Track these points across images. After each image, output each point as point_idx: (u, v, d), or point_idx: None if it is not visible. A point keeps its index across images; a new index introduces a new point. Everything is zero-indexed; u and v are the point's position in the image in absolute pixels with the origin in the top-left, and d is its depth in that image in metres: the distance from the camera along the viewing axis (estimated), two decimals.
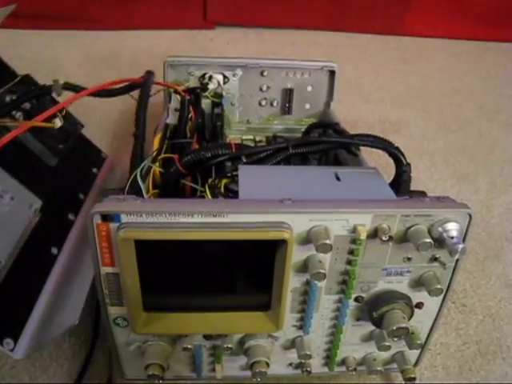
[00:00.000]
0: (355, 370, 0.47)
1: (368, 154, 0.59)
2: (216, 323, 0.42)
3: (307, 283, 0.41)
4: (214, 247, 0.39)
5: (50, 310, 0.48)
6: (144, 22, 1.44)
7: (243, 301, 0.42)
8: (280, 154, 0.52)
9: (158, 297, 0.41)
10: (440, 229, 0.38)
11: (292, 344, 0.45)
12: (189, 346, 0.43)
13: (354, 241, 0.38)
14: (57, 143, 0.59)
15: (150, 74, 0.57)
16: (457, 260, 0.41)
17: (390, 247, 0.40)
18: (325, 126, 0.67)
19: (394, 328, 0.40)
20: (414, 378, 0.45)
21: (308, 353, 0.43)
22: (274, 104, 0.77)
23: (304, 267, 0.39)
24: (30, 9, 1.33)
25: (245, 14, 1.49)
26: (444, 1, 1.54)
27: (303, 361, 0.45)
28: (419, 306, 0.43)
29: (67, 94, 0.55)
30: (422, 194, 0.51)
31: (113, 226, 0.36)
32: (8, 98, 0.55)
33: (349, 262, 0.40)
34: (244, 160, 0.51)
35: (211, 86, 0.72)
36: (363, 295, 0.42)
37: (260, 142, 0.76)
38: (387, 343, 0.43)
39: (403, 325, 0.40)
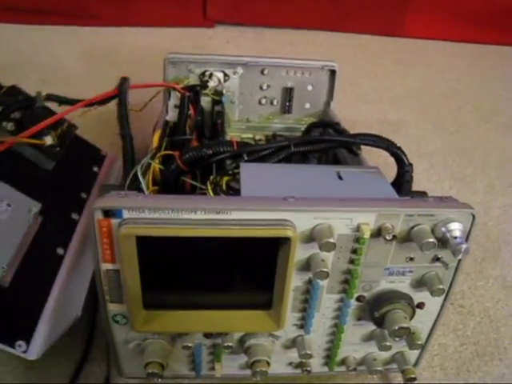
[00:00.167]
0: (355, 369, 0.47)
1: (366, 154, 0.59)
2: (217, 321, 0.41)
3: (309, 282, 0.40)
4: (216, 245, 0.39)
5: (59, 308, 0.48)
6: (143, 19, 1.43)
7: (244, 299, 0.42)
8: (282, 152, 0.52)
9: (158, 294, 0.41)
10: (443, 229, 0.38)
11: (292, 343, 0.45)
12: (189, 345, 0.42)
13: (357, 240, 0.38)
14: (52, 147, 0.58)
15: (124, 80, 0.57)
16: (459, 260, 0.41)
17: (393, 247, 0.39)
18: (325, 125, 0.67)
19: (396, 328, 0.40)
20: (415, 378, 0.45)
21: (309, 352, 0.43)
22: (274, 103, 0.77)
23: (306, 266, 0.39)
24: (29, 4, 1.33)
25: (245, 12, 1.49)
26: (443, 3, 1.54)
27: (303, 360, 0.44)
28: (420, 306, 0.43)
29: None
30: (424, 194, 0.50)
31: (114, 221, 0.36)
32: None
33: (351, 261, 0.40)
34: (245, 158, 0.51)
35: (211, 84, 0.71)
36: (365, 295, 0.42)
37: (259, 140, 0.75)
38: (388, 343, 0.43)
39: (405, 325, 0.40)
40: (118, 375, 0.47)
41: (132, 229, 0.35)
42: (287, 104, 0.76)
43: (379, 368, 0.46)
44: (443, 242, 0.38)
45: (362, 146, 0.57)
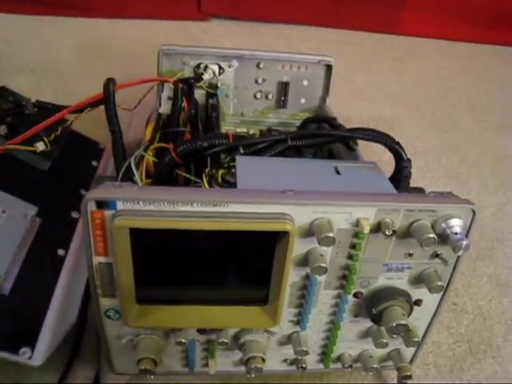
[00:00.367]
0: (351, 366, 0.47)
1: (361, 151, 0.58)
2: (211, 317, 0.40)
3: (307, 277, 0.40)
4: (211, 238, 0.38)
5: (62, 310, 0.47)
6: (137, 12, 1.41)
7: (240, 294, 0.41)
8: (278, 145, 0.51)
9: (152, 289, 0.40)
10: (443, 224, 0.37)
11: (288, 340, 0.44)
12: (182, 340, 0.41)
13: (356, 234, 0.38)
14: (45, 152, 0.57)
15: (109, 81, 0.56)
16: (458, 257, 0.40)
17: (392, 242, 0.39)
18: (320, 120, 0.66)
19: (394, 325, 0.39)
20: (411, 376, 0.44)
21: (304, 349, 0.42)
22: (269, 97, 0.76)
23: (304, 261, 0.38)
24: None
25: (240, 6, 1.48)
26: (439, 2, 1.55)
27: (299, 357, 0.44)
28: (418, 303, 0.43)
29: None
30: (421, 190, 0.50)
31: (108, 213, 0.35)
32: None
33: (350, 257, 0.39)
34: (241, 151, 0.50)
35: (206, 77, 0.70)
36: (362, 291, 0.41)
37: (254, 135, 0.74)
38: (385, 340, 0.43)
39: (403, 322, 0.39)
40: (109, 371, 0.46)
41: (126, 221, 0.34)
42: (282, 98, 0.75)
43: (375, 365, 0.46)
44: (443, 238, 0.37)
45: (358, 143, 0.56)
